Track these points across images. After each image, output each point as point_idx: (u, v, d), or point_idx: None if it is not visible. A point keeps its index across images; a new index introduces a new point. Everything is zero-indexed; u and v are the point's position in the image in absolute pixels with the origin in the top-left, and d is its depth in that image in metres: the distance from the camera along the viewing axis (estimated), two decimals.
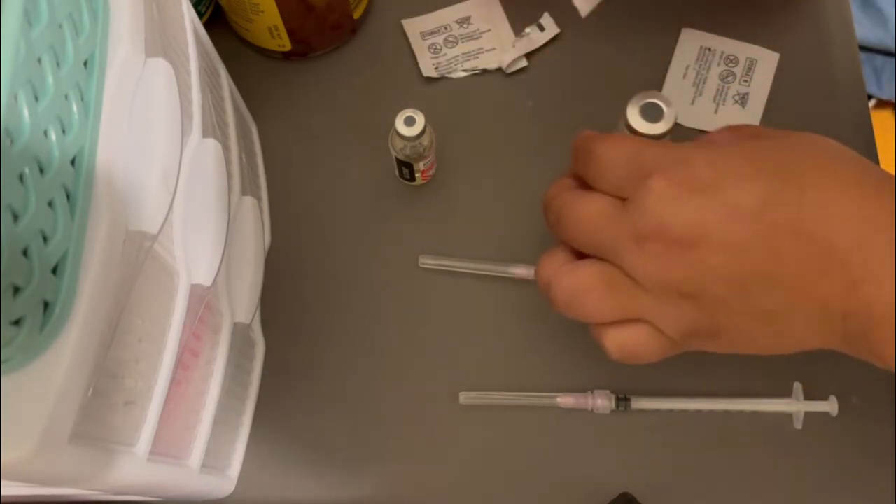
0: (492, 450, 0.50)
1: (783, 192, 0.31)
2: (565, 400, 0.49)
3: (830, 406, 0.48)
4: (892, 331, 0.30)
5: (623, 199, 0.33)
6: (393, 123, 0.50)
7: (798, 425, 0.49)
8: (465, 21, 0.61)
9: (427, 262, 0.54)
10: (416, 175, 0.54)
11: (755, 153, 0.32)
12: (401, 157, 0.52)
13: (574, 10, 0.57)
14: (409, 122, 0.50)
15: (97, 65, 0.29)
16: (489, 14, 0.61)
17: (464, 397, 0.51)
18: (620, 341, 0.35)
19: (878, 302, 0.30)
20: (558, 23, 0.60)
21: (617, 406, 0.49)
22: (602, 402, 0.49)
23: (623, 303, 0.34)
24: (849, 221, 0.31)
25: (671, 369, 0.47)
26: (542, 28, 0.60)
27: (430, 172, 0.55)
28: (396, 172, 0.55)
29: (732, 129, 0.40)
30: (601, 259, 0.34)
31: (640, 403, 0.49)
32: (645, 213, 0.32)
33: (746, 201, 0.31)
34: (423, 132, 0.50)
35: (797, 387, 0.49)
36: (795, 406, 0.49)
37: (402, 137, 0.50)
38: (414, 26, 0.61)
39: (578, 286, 0.34)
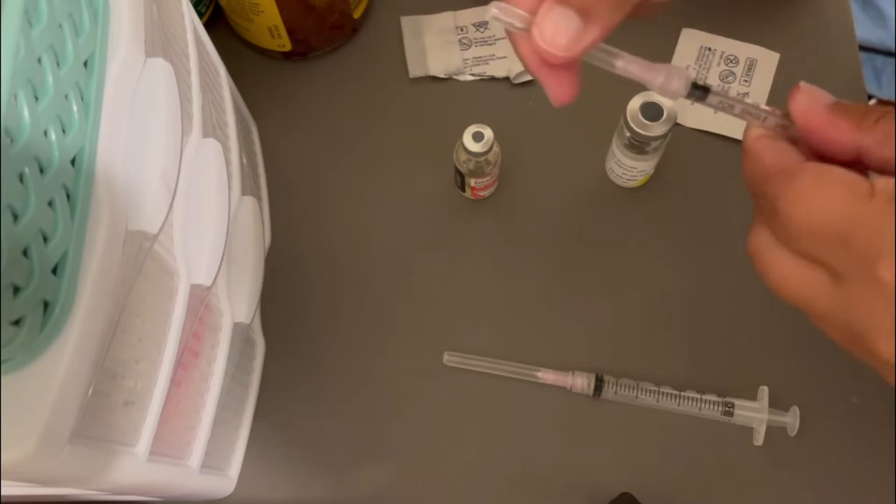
0: (492, 452, 0.50)
1: None
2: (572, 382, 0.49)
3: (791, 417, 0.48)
4: None
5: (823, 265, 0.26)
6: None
7: (759, 441, 0.49)
8: (482, 25, 0.61)
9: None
10: (466, 189, 0.54)
11: None
12: (462, 168, 0.51)
13: None
14: (478, 137, 0.49)
15: (97, 65, 0.29)
16: None
17: (447, 358, 0.50)
18: None
19: None
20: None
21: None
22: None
23: None
24: None
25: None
26: None
27: (483, 193, 0.55)
28: (453, 178, 0.55)
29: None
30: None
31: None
32: (874, 314, 0.25)
33: None
34: (489, 149, 0.49)
35: (762, 391, 0.50)
36: (759, 414, 0.49)
37: (468, 152, 0.49)
38: (430, 24, 0.61)
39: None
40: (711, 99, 0.29)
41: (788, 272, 0.27)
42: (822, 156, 0.28)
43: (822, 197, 0.25)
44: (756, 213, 0.28)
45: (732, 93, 0.58)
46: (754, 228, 0.28)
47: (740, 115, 0.29)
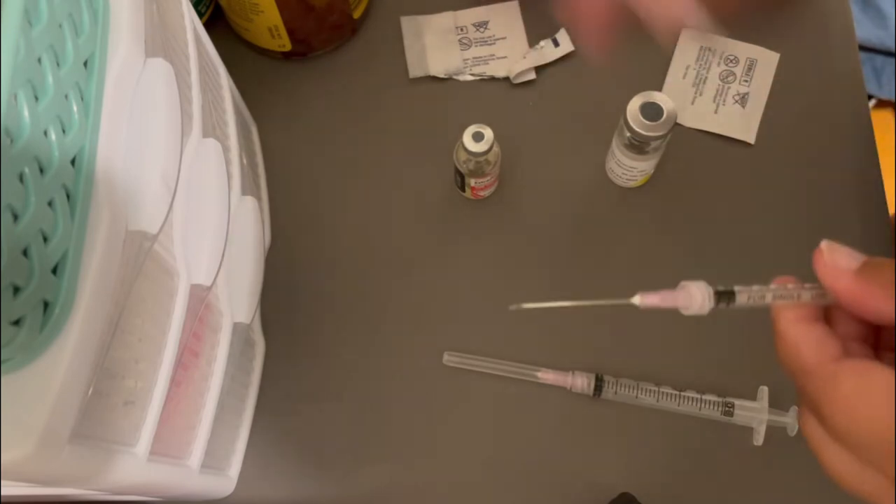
0: (492, 452, 0.50)
1: None
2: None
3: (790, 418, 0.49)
4: None
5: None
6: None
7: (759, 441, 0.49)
8: (482, 25, 0.61)
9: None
10: (466, 189, 0.54)
11: None
12: (462, 168, 0.52)
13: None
14: (478, 137, 0.49)
15: (97, 65, 0.29)
16: (508, 21, 0.61)
17: (446, 358, 0.50)
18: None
19: None
20: (574, 39, 0.59)
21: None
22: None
23: None
24: None
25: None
26: (556, 43, 0.59)
27: (483, 193, 0.55)
28: (454, 178, 0.55)
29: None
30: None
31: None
32: None
33: None
34: (489, 149, 0.49)
35: (762, 391, 0.50)
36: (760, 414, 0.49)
37: (468, 152, 0.49)
38: (430, 24, 0.61)
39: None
40: (740, 299, 0.28)
41: (843, 469, 0.27)
42: (863, 320, 0.27)
43: (864, 408, 0.25)
44: (799, 397, 0.28)
45: (732, 92, 0.58)
46: (803, 414, 0.28)
47: (774, 302, 0.27)
